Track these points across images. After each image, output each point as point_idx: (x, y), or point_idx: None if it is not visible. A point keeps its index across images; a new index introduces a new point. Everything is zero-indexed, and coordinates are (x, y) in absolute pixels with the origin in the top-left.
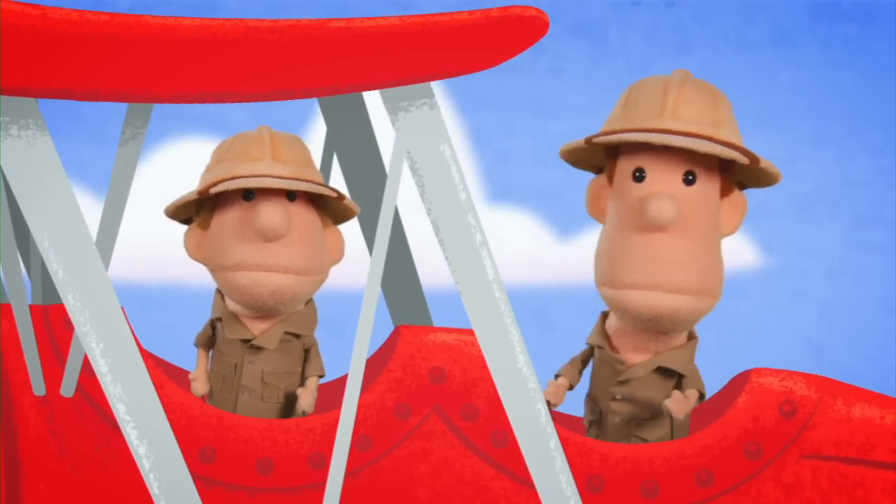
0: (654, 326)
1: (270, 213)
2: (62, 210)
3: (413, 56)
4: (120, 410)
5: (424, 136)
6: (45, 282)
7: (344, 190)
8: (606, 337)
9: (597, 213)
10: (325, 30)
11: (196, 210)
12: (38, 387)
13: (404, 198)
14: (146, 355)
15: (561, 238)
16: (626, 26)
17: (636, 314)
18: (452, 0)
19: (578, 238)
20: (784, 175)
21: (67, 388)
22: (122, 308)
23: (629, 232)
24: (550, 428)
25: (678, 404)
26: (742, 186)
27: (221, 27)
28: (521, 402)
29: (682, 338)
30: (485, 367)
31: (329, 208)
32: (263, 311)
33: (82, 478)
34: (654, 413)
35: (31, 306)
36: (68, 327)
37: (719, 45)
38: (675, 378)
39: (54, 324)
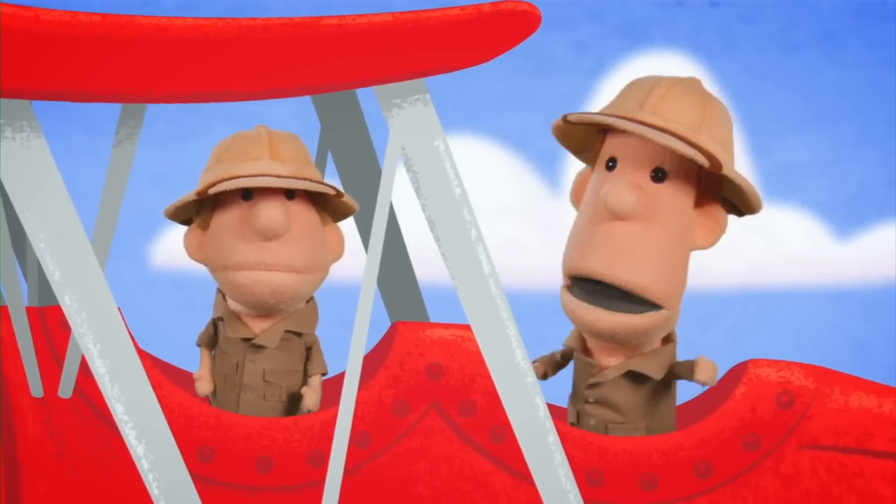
0: (616, 343)
1: (270, 212)
2: (58, 212)
3: (406, 52)
4: (118, 411)
5: (419, 133)
6: (41, 283)
7: (340, 187)
8: (582, 340)
9: (576, 201)
10: (317, 27)
11: (196, 210)
12: (36, 388)
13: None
14: (144, 355)
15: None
16: (670, 26)
17: (584, 328)
18: None
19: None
20: (829, 175)
21: (65, 389)
22: (119, 308)
23: (593, 220)
24: (549, 422)
25: (706, 371)
26: (739, 213)
27: (214, 27)
28: (519, 396)
29: (656, 342)
30: (482, 362)
31: (328, 205)
32: (264, 310)
33: (81, 478)
34: (628, 416)
35: (27, 308)
36: (65, 328)
37: (763, 45)
38: (647, 383)
39: (51, 325)
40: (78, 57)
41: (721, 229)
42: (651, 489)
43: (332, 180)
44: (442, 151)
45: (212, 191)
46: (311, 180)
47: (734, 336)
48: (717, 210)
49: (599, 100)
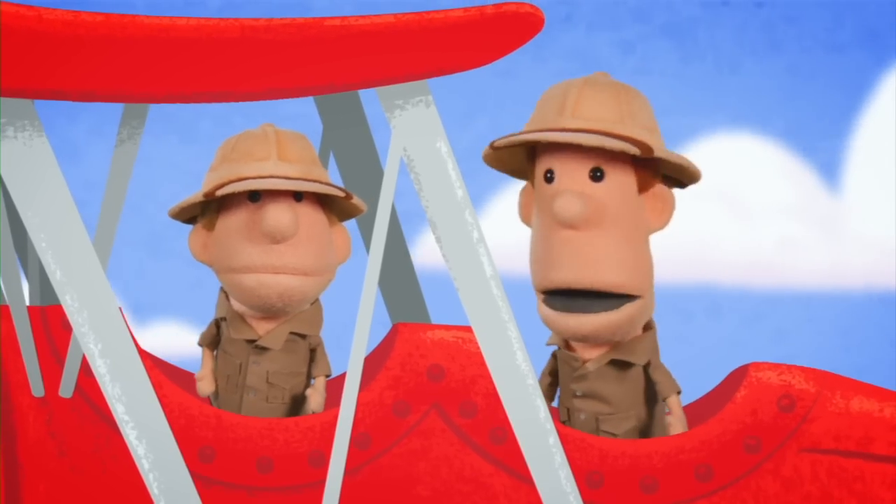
0: (593, 342)
1: (278, 215)
2: (59, 211)
3: (408, 54)
4: (119, 411)
5: (421, 134)
6: (42, 283)
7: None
8: (563, 338)
9: (526, 219)
10: (320, 28)
11: (201, 211)
12: (37, 388)
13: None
14: (144, 355)
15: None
16: (715, 26)
17: (569, 336)
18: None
19: None
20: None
21: (66, 388)
22: (120, 308)
23: (549, 231)
24: (549, 424)
25: (677, 417)
26: (679, 184)
27: (217, 27)
28: (519, 398)
29: (637, 330)
30: (483, 363)
31: (335, 206)
32: (271, 313)
33: (82, 478)
34: (617, 407)
35: (29, 307)
36: (66, 328)
37: (808, 45)
38: (631, 368)
39: (52, 325)
40: (80, 56)
41: (670, 207)
42: (651, 492)
43: (335, 181)
44: (444, 153)
45: (219, 192)
46: (320, 182)
47: (779, 336)
48: (661, 190)
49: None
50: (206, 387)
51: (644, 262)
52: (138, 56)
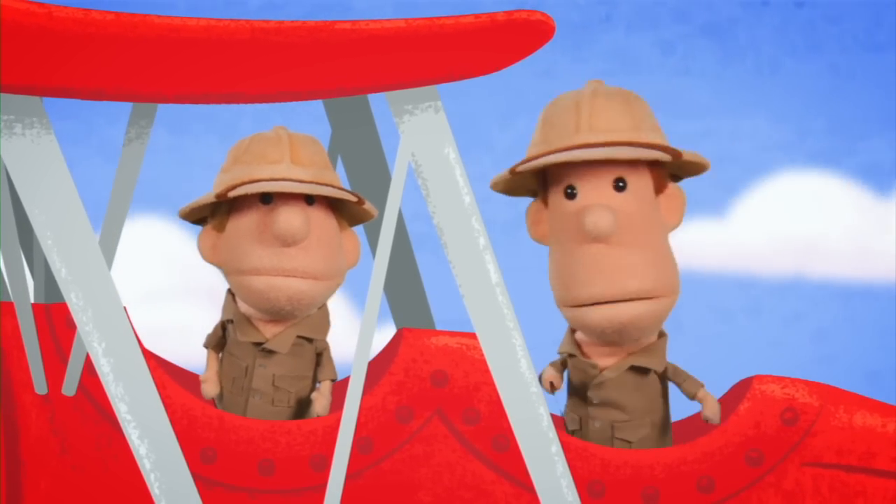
0: (621, 338)
1: (290, 218)
2: (65, 208)
3: (418, 59)
4: (121, 410)
5: (429, 139)
6: (47, 280)
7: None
8: (577, 344)
9: (539, 237)
10: (330, 32)
11: (211, 212)
12: (40, 386)
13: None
14: (148, 355)
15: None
16: (755, 26)
17: (600, 330)
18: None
19: None
20: None
21: (69, 387)
22: (125, 307)
23: (574, 248)
24: (552, 433)
25: (712, 410)
26: (676, 178)
27: (227, 28)
28: (522, 406)
29: (653, 337)
30: (487, 370)
31: (346, 211)
32: (279, 316)
33: (83, 477)
34: (633, 414)
35: (33, 305)
36: (70, 326)
37: (849, 44)
38: (647, 375)
39: (57, 323)
40: (90, 54)
41: (683, 203)
42: (653, 502)
43: (342, 184)
44: (452, 159)
45: (231, 194)
46: (332, 186)
47: (820, 336)
48: (673, 188)
49: (685, 101)
50: (210, 389)
51: (669, 262)
52: (148, 55)
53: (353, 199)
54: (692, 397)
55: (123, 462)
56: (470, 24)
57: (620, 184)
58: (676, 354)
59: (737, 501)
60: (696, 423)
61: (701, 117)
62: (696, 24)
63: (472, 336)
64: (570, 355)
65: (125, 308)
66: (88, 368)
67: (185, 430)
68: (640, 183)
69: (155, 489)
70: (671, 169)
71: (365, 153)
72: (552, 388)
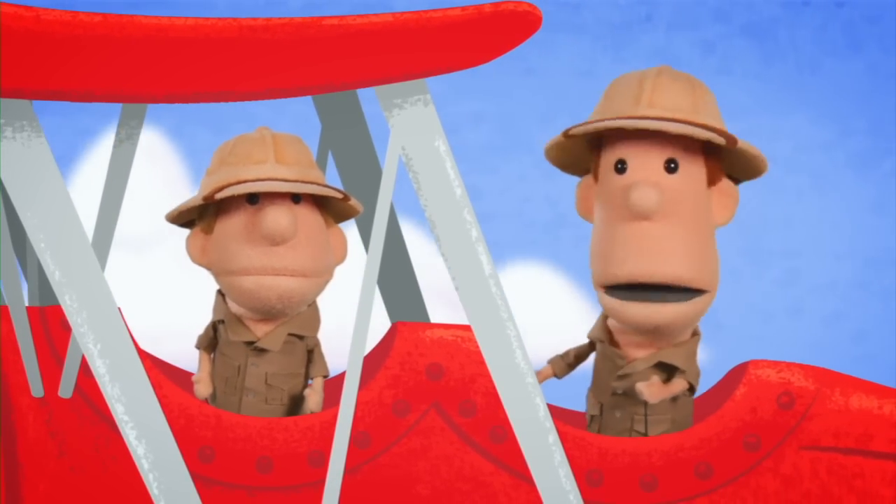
0: (654, 336)
1: (277, 217)
2: (58, 211)
3: (407, 53)
4: (118, 411)
5: (419, 133)
6: (41, 283)
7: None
8: (608, 332)
9: (585, 212)
10: (318, 28)
11: (199, 214)
12: (37, 388)
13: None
14: (144, 355)
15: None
16: (795, 26)
17: (635, 325)
18: None
19: None
20: None
21: (65, 389)
22: (119, 308)
23: (617, 224)
24: (549, 423)
25: (650, 388)
26: (735, 181)
27: (215, 27)
28: (519, 397)
29: (686, 334)
30: (482, 362)
31: (332, 207)
32: (270, 315)
33: (81, 478)
34: (655, 409)
35: (28, 308)
36: (66, 328)
37: (889, 44)
38: (674, 373)
39: (52, 325)
40: (79, 57)
41: (735, 202)
42: (651, 490)
43: (333, 181)
44: (443, 152)
45: (218, 196)
46: (317, 184)
47: (859, 336)
48: (727, 184)
49: (725, 101)
50: (203, 389)
51: (712, 256)
52: (136, 56)
53: (339, 195)
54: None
55: (122, 462)
56: (457, 17)
57: (672, 165)
58: (717, 354)
59: (735, 487)
60: (694, 410)
61: (741, 117)
62: (736, 24)
63: (467, 328)
64: (600, 341)
65: (119, 309)
66: (84, 370)
67: (182, 429)
68: (693, 169)
69: (154, 489)
70: (729, 169)
71: (355, 149)
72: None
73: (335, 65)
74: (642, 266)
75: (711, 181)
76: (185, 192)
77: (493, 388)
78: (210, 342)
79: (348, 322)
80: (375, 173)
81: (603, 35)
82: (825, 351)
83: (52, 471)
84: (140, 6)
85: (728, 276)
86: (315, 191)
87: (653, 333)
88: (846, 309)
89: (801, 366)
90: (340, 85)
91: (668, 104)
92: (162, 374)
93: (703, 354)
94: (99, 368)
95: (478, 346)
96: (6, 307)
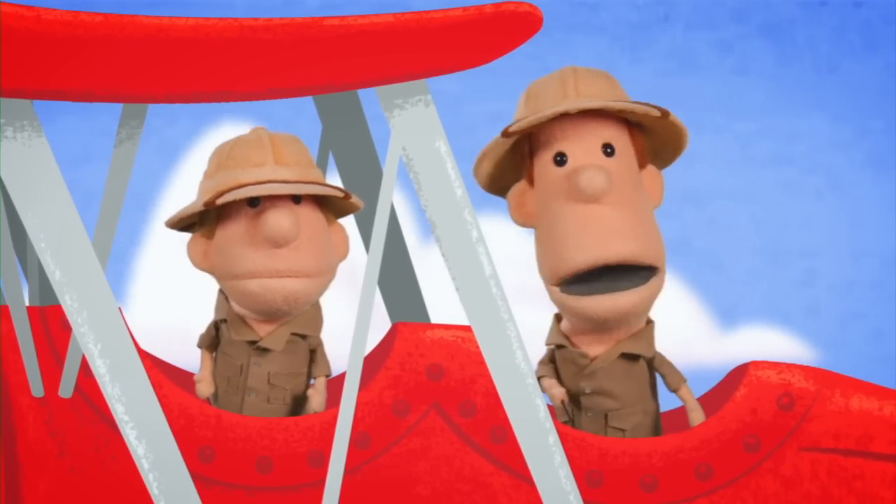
0: (619, 325)
1: (279, 219)
2: (59, 211)
3: (408, 53)
4: (118, 411)
5: (420, 134)
6: (42, 283)
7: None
8: (564, 335)
9: (524, 219)
10: (319, 28)
11: (199, 219)
12: (37, 388)
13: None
14: (144, 355)
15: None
16: (813, 26)
17: (602, 320)
18: None
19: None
20: None
21: (66, 388)
22: (120, 308)
23: (565, 211)
24: (549, 423)
25: (697, 411)
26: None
27: (216, 27)
28: (519, 397)
29: (641, 322)
30: (483, 363)
31: (332, 204)
32: (276, 316)
33: (82, 478)
34: (625, 401)
35: (28, 308)
36: (66, 328)
37: None
38: (637, 362)
39: (52, 325)
40: (79, 56)
41: (662, 185)
42: (651, 491)
43: (333, 180)
44: (443, 152)
45: (220, 201)
46: (318, 184)
47: (876, 336)
48: (651, 169)
49: (743, 100)
50: (205, 389)
51: (657, 234)
52: (137, 56)
53: (340, 194)
54: (673, 390)
55: (122, 462)
56: (458, 17)
57: (609, 149)
58: (735, 354)
59: (735, 488)
60: (686, 414)
61: (758, 117)
62: (754, 24)
63: (467, 329)
64: (559, 346)
65: (120, 308)
66: (84, 370)
67: (182, 429)
68: (626, 153)
69: (154, 489)
70: (650, 152)
71: (356, 149)
72: (564, 405)
73: (336, 65)
74: (603, 248)
75: (641, 164)
76: None
77: (494, 388)
78: (212, 341)
79: (349, 322)
80: (376, 173)
81: (621, 35)
82: (842, 351)
83: (52, 471)
84: (158, 6)
85: (745, 275)
86: (316, 191)
87: (615, 323)
88: (863, 309)
89: (801, 367)
90: (341, 85)
91: (594, 93)
92: (162, 374)
93: (720, 355)
94: (99, 368)
95: (478, 347)
96: (6, 307)
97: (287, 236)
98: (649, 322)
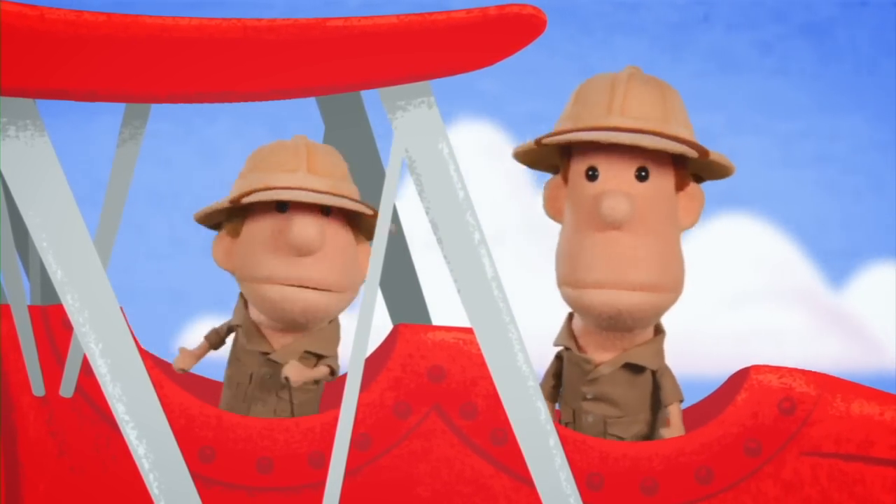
0: (615, 324)
1: (305, 228)
2: (61, 210)
3: (411, 55)
4: (119, 410)
5: (422, 135)
6: (44, 282)
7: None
8: (573, 338)
9: (554, 213)
10: (322, 29)
11: (227, 217)
12: (38, 387)
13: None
14: (145, 355)
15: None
16: (853, 26)
17: (596, 313)
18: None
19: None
20: None
21: (67, 388)
22: (121, 308)
23: (586, 231)
24: (550, 426)
25: (672, 433)
26: (699, 179)
27: (219, 27)
28: (520, 400)
29: (649, 333)
30: (484, 365)
31: (363, 224)
32: (291, 327)
33: (82, 478)
34: (626, 410)
35: (30, 307)
36: (67, 328)
37: None
38: (643, 373)
39: (53, 324)
40: (82, 56)
41: (701, 205)
42: (652, 494)
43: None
44: (446, 154)
45: (245, 200)
46: (348, 198)
47: None
48: (693, 188)
49: (783, 99)
50: (180, 361)
51: (678, 259)
52: (140, 56)
53: (369, 211)
54: (665, 405)
55: (122, 462)
56: (462, 19)
57: (643, 173)
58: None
59: (735, 492)
60: (695, 414)
61: (799, 117)
62: (794, 24)
63: (469, 331)
64: (566, 349)
65: (121, 308)
66: (85, 369)
67: (183, 429)
68: (663, 176)
69: (154, 489)
70: (694, 169)
71: (358, 151)
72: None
73: (339, 66)
74: (608, 274)
75: (679, 186)
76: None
77: (495, 390)
78: (219, 339)
79: (350, 324)
80: (379, 174)
81: (661, 35)
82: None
83: (53, 470)
84: (198, 7)
85: (785, 276)
86: (344, 204)
87: (613, 320)
88: None
89: (802, 371)
90: (344, 86)
91: (639, 113)
92: (163, 373)
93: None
94: (100, 368)
95: (479, 349)
96: (8, 306)
97: (311, 245)
98: (660, 332)
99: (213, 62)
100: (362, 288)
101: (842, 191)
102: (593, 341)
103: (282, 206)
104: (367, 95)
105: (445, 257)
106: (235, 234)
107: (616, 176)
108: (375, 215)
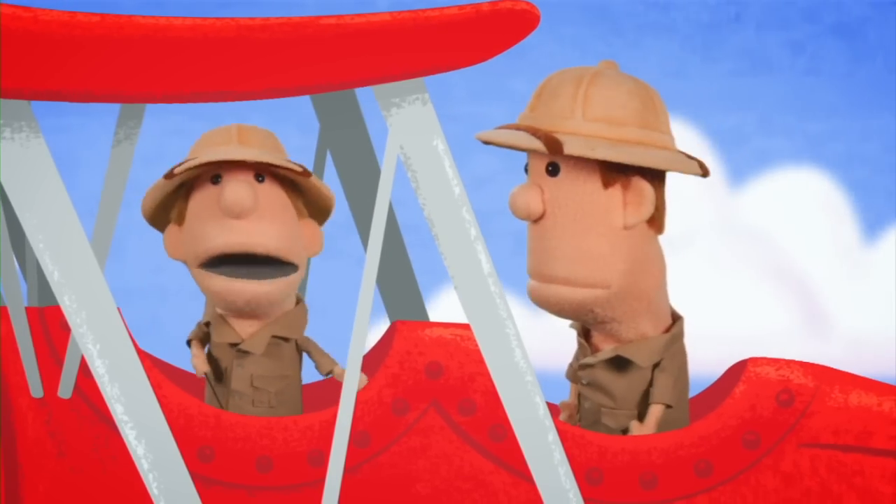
0: (556, 315)
1: (236, 188)
2: (57, 212)
3: (404, 52)
4: (118, 411)
5: (417, 132)
6: (41, 284)
7: (338, 187)
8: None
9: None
10: (316, 27)
11: (176, 213)
12: (36, 389)
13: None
14: (143, 355)
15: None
16: (885, 26)
17: (533, 302)
18: None
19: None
20: None
21: (65, 389)
22: (119, 308)
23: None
24: (549, 421)
25: (641, 429)
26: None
27: (213, 26)
28: (518, 395)
29: (648, 326)
30: (482, 361)
31: (306, 199)
32: (245, 315)
33: (81, 479)
34: (620, 403)
35: (27, 308)
36: (65, 329)
37: None
38: (637, 368)
39: (51, 325)
40: (77, 57)
41: (647, 200)
42: (651, 488)
43: (332, 180)
44: (441, 150)
45: (177, 171)
46: (274, 156)
47: None
48: (636, 182)
49: (814, 99)
50: (200, 364)
51: (606, 256)
52: (135, 56)
53: (298, 169)
54: (650, 402)
55: (121, 463)
56: (455, 16)
57: (550, 168)
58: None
59: (735, 484)
60: (693, 408)
61: (830, 117)
62: (825, 24)
63: (466, 327)
64: (576, 332)
65: (119, 309)
66: (84, 370)
67: (181, 429)
68: (580, 173)
69: (153, 489)
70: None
71: (354, 148)
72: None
73: (333, 64)
74: (531, 265)
75: (612, 181)
76: None
77: (493, 386)
78: (204, 336)
79: (347, 321)
80: (374, 172)
81: (692, 35)
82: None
83: (52, 471)
84: (230, 6)
85: (820, 277)
86: (270, 160)
87: (546, 310)
88: None
89: (800, 363)
90: (339, 84)
91: (544, 109)
92: (161, 374)
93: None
94: (98, 369)
95: (477, 345)
96: (5, 308)
97: (243, 203)
98: (668, 331)
99: (208, 62)
100: (363, 276)
101: (873, 191)
102: (598, 330)
103: (216, 179)
104: (361, 93)
105: (442, 253)
106: (181, 220)
107: (534, 170)
108: (306, 174)
